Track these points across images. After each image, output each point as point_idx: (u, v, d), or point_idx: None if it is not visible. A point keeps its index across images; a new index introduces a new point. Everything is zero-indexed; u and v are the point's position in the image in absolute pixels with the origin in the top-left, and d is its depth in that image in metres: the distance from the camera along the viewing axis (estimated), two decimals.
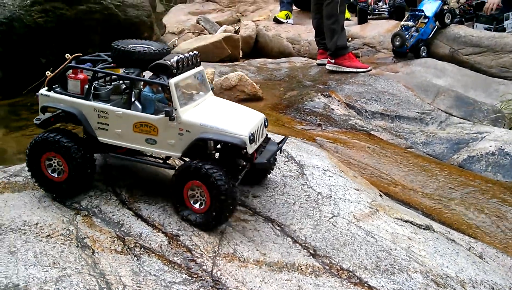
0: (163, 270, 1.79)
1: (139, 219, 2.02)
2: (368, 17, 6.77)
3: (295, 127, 3.69)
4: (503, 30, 5.75)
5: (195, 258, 1.85)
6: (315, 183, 2.38)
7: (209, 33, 7.07)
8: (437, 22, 5.48)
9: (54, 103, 2.07)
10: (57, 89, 2.10)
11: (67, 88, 2.09)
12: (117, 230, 1.95)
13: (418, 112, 4.09)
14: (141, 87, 2.10)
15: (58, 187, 2.06)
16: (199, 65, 2.17)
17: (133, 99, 2.04)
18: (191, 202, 1.98)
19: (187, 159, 2.04)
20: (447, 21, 5.50)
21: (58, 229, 1.91)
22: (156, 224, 1.99)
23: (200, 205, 1.97)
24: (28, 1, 4.29)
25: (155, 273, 1.77)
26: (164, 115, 1.92)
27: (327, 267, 1.92)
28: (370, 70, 4.76)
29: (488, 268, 2.16)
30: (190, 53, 2.11)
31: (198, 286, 1.73)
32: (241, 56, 6.22)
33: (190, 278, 1.77)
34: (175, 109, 1.93)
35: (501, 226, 2.72)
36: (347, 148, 3.40)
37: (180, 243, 1.91)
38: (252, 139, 1.95)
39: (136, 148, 2.05)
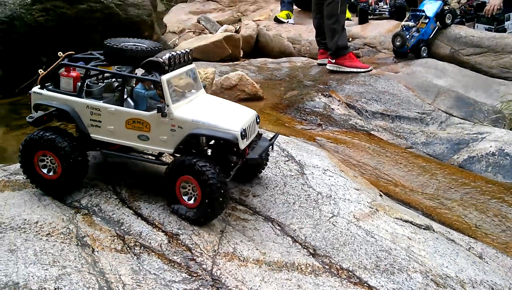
0: (163, 269, 1.79)
1: (139, 218, 2.02)
2: (369, 17, 6.76)
3: (296, 127, 3.69)
4: (504, 30, 5.75)
5: (195, 257, 1.85)
6: (315, 183, 2.38)
7: (210, 33, 7.07)
8: (437, 23, 5.47)
9: (47, 100, 2.08)
10: (50, 87, 2.11)
11: (59, 86, 2.09)
12: (117, 228, 1.95)
13: (418, 112, 4.09)
14: (134, 84, 2.10)
15: (50, 184, 2.07)
16: (191, 63, 2.18)
17: (125, 96, 2.05)
18: (183, 197, 1.99)
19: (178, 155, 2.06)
20: (448, 21, 5.50)
21: (58, 228, 1.91)
22: (156, 223, 1.99)
23: (192, 200, 1.98)
24: None
25: (154, 272, 1.77)
26: (156, 111, 1.93)
27: (327, 267, 1.92)
28: (371, 70, 4.76)
29: (488, 268, 2.16)
30: (182, 50, 2.12)
31: (198, 285, 1.73)
32: (241, 55, 6.22)
33: (190, 277, 1.77)
34: (167, 106, 1.94)
35: (501, 226, 2.72)
36: (347, 148, 3.40)
37: (180, 242, 1.91)
38: (244, 134, 1.97)
39: (129, 145, 2.07)
